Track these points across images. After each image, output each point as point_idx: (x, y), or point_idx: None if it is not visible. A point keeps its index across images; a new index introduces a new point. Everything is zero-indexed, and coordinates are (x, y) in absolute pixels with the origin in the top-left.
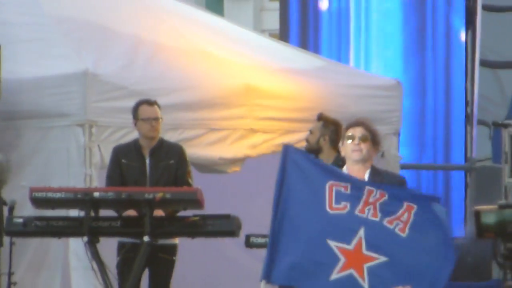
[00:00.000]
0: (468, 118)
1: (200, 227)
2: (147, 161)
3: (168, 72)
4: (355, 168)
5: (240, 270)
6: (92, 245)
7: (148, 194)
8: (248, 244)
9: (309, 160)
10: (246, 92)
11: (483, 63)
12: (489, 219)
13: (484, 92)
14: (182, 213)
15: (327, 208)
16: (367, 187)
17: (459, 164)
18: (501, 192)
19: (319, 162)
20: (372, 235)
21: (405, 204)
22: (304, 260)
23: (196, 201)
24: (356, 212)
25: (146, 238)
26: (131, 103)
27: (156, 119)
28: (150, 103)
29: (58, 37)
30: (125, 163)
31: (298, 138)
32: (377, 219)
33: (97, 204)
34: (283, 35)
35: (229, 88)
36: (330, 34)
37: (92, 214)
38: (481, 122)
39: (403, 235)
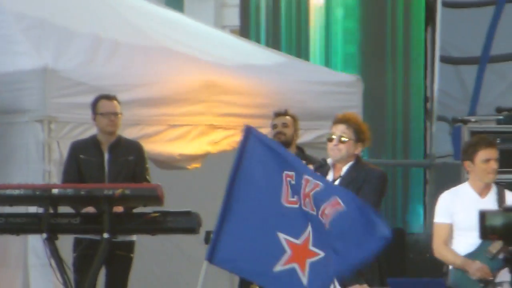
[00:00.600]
0: (427, 114)
1: (160, 224)
2: (106, 156)
3: (128, 68)
4: (337, 164)
5: (200, 267)
6: (51, 242)
7: (108, 190)
8: (208, 240)
9: (270, 144)
10: (207, 88)
11: (445, 59)
12: (495, 221)
13: (445, 88)
14: (142, 210)
15: (283, 201)
16: (305, 176)
17: (419, 161)
18: None
19: (278, 147)
20: (316, 230)
21: (334, 199)
22: (250, 248)
23: (156, 198)
24: (303, 207)
25: (105, 235)
26: (91, 99)
27: (115, 113)
28: (109, 98)
29: (18, 33)
30: (83, 158)
31: None
32: (314, 213)
33: (56, 200)
34: (244, 31)
35: (189, 84)
36: (290, 30)
37: (51, 210)
38: (442, 119)
39: (328, 228)
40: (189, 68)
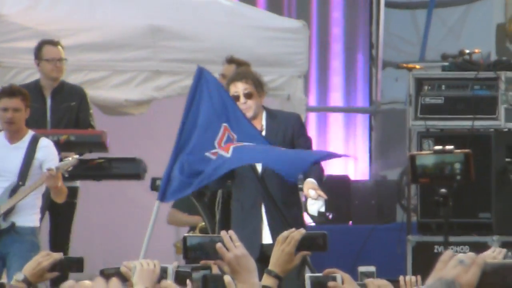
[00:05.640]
0: (373, 60)
1: (106, 170)
2: (48, 102)
3: (73, 13)
4: (252, 120)
5: (146, 213)
6: None
7: (53, 136)
8: (154, 187)
9: (218, 88)
10: (151, 33)
11: (399, 5)
12: (426, 161)
13: (401, 33)
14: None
15: (216, 144)
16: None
17: (364, 107)
18: (405, 135)
19: (225, 94)
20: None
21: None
22: (185, 172)
23: (101, 144)
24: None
25: None
26: (35, 44)
27: (60, 59)
28: (54, 43)
29: None
30: None
31: None
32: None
33: None
34: None
35: (134, 29)
36: None
37: None
38: (390, 64)
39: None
40: (134, 13)
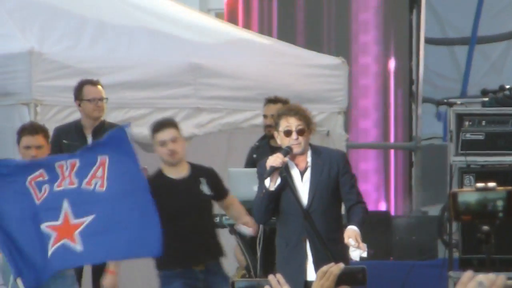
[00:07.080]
0: (412, 96)
1: None
2: (89, 141)
3: (113, 51)
4: (298, 157)
5: None
6: None
7: None
8: None
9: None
10: (192, 70)
11: (437, 41)
12: (468, 198)
13: (439, 70)
14: None
15: (36, 201)
16: (57, 163)
17: (404, 143)
18: (446, 171)
19: (12, 163)
20: (76, 203)
21: (99, 160)
22: (29, 256)
23: None
24: (55, 189)
25: None
26: (77, 82)
27: (101, 99)
28: (93, 83)
29: (2, 16)
30: (66, 143)
31: (244, 117)
32: (75, 186)
33: None
34: (231, 15)
35: (174, 66)
36: (278, 13)
37: None
38: (429, 101)
39: (103, 189)
40: (175, 50)
